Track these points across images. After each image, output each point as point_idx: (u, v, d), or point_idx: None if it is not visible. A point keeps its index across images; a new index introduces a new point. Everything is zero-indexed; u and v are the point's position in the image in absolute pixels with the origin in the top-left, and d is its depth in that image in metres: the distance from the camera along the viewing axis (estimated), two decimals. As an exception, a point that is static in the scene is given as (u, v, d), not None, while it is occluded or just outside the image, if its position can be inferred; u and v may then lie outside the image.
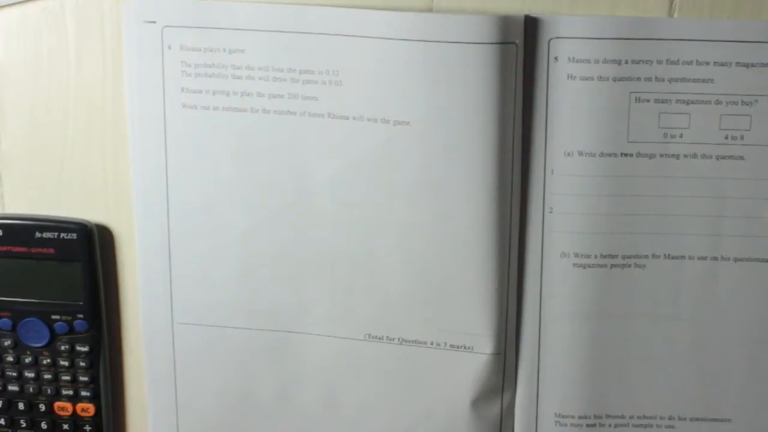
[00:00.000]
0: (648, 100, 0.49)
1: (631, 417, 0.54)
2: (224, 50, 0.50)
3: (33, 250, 0.54)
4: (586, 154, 0.50)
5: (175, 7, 0.50)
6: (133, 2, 0.51)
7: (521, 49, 0.49)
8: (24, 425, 0.57)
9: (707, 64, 0.48)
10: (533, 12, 0.49)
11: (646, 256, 0.51)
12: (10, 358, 0.56)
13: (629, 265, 0.51)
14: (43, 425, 0.57)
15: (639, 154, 0.50)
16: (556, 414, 0.54)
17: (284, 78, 0.50)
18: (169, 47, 0.51)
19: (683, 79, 0.49)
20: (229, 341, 0.55)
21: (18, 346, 0.56)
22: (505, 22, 0.48)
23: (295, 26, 0.49)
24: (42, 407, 0.57)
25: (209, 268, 0.54)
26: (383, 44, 0.49)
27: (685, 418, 0.53)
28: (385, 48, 0.49)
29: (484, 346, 0.53)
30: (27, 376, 0.56)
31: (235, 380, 0.56)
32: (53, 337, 0.56)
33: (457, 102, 0.49)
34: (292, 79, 0.50)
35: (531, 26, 0.48)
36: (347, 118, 0.50)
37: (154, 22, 0.51)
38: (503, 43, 0.48)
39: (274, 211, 0.53)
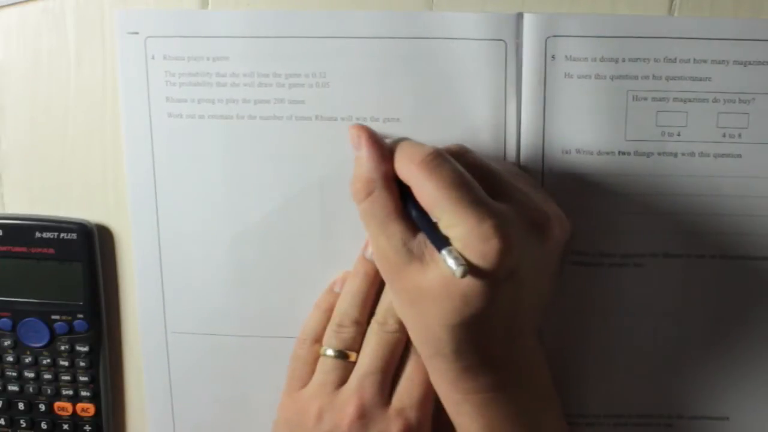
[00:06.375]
0: (645, 99, 0.49)
1: (630, 416, 0.53)
2: (208, 58, 0.50)
3: (33, 250, 0.55)
4: (583, 152, 0.50)
5: (157, 18, 0.50)
6: (116, 13, 0.51)
7: (519, 47, 0.49)
8: (24, 425, 0.57)
9: (705, 62, 0.48)
10: (530, 10, 0.49)
11: (646, 256, 0.51)
12: (10, 358, 0.56)
13: (628, 265, 0.51)
14: (43, 425, 0.57)
15: (637, 153, 0.50)
16: (555, 414, 0.54)
17: (270, 83, 0.50)
18: (153, 57, 0.51)
19: (681, 77, 0.49)
20: (224, 349, 0.55)
21: (18, 346, 0.56)
22: (502, 20, 0.48)
23: (279, 30, 0.49)
24: (42, 407, 0.57)
25: (201, 276, 0.54)
26: (371, 43, 0.49)
27: (683, 417, 0.53)
28: (373, 47, 0.49)
29: (483, 346, 0.52)
30: (27, 376, 0.56)
31: (231, 388, 0.55)
32: (53, 337, 0.56)
33: (453, 100, 0.49)
34: (278, 84, 0.50)
35: (528, 24, 0.48)
36: (335, 119, 0.50)
37: (137, 33, 0.51)
38: (500, 40, 0.48)
39: (264, 217, 0.52)
